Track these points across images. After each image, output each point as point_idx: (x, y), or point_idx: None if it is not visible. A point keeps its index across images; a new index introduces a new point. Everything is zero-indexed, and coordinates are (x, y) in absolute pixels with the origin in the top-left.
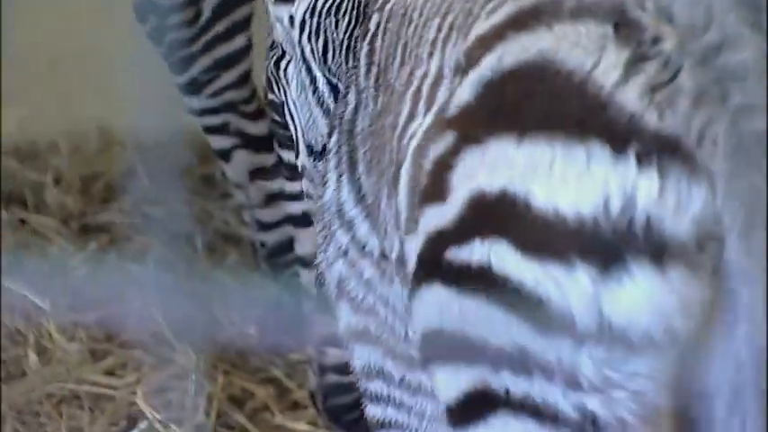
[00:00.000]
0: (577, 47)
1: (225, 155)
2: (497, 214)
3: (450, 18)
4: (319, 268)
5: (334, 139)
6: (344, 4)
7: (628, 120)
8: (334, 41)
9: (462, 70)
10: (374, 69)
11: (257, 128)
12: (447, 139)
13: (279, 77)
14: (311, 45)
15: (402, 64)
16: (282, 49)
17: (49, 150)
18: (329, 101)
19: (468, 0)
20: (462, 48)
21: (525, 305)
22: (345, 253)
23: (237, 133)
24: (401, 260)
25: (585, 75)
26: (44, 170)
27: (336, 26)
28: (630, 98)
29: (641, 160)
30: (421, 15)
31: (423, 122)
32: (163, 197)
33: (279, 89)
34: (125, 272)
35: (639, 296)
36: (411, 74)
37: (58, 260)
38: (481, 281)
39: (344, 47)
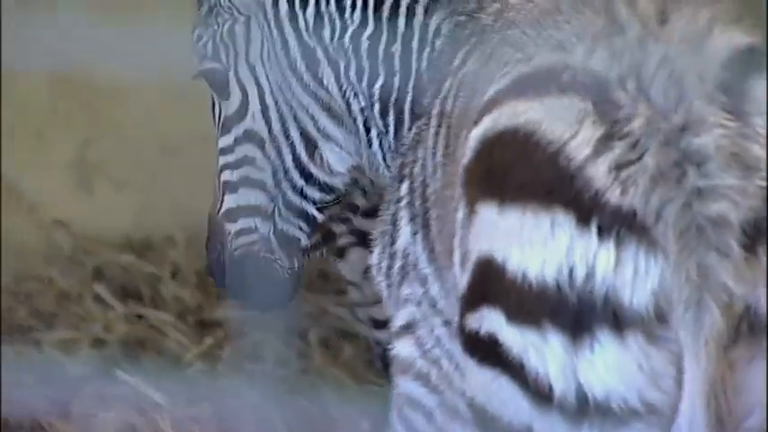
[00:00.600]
0: (559, 119)
1: (340, 252)
2: (490, 280)
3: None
4: (388, 296)
5: (405, 188)
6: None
7: (593, 193)
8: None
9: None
10: (443, 132)
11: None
12: (462, 204)
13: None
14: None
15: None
16: None
17: (165, 243)
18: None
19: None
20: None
21: (519, 375)
22: (419, 303)
23: (353, 231)
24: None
25: (561, 146)
26: (161, 264)
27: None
28: (598, 173)
29: (602, 233)
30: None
31: None
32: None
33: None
34: (240, 367)
35: (610, 365)
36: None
37: (174, 355)
38: (488, 349)
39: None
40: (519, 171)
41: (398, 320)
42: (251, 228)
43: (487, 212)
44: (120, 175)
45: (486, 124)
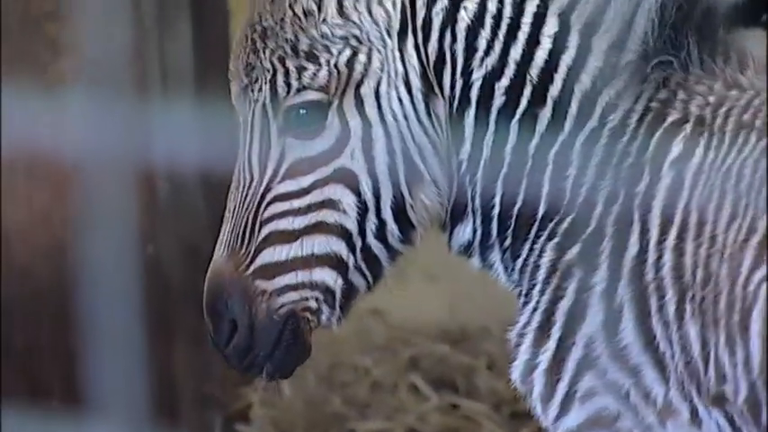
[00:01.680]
0: None
1: None
2: None
3: None
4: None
5: (601, 275)
6: None
7: None
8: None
9: None
10: (675, 222)
11: None
12: None
13: None
14: None
15: (734, 218)
16: None
17: (480, 334)
18: None
19: None
20: None
21: None
22: (625, 395)
23: None
24: (753, 402)
25: None
26: (476, 354)
27: None
28: None
29: None
30: (755, 171)
31: None
32: None
33: None
34: None
35: None
36: (752, 224)
37: None
38: None
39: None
40: None
41: (579, 415)
42: (304, 283)
43: None
44: (431, 266)
45: None
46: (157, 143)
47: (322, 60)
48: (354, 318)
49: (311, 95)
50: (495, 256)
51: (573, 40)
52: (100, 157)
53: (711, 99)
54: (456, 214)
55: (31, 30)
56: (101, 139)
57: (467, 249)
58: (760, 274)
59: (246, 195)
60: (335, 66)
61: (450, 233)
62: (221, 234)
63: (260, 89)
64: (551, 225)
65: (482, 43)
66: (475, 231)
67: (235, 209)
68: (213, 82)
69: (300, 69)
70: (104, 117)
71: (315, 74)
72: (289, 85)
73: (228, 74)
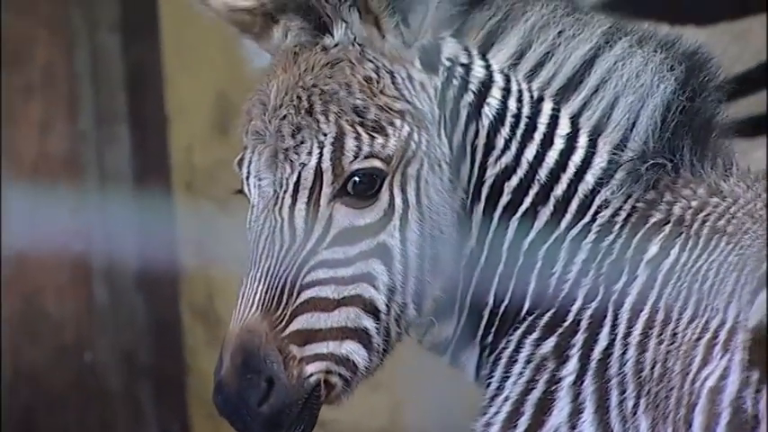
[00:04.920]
0: None
1: None
2: None
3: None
4: None
5: (571, 367)
6: None
7: None
8: None
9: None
10: (642, 318)
11: None
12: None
13: None
14: None
15: (694, 317)
16: None
17: None
18: None
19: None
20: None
21: None
22: None
23: None
24: None
25: None
26: None
27: None
28: None
29: None
30: (717, 274)
31: (718, 366)
32: None
33: None
34: None
35: None
36: (707, 324)
37: None
38: None
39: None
40: None
41: None
42: (333, 354)
43: None
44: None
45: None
46: (95, 246)
47: (389, 131)
48: None
49: (377, 163)
50: (471, 353)
51: (582, 141)
52: (37, 257)
53: (694, 204)
54: (441, 310)
55: None
56: (38, 241)
57: (440, 346)
58: (707, 371)
59: (285, 257)
60: (399, 139)
61: (427, 329)
62: (249, 291)
63: (309, 152)
64: (530, 319)
65: (500, 142)
66: (456, 329)
67: (269, 270)
68: (152, 185)
69: (372, 137)
70: (42, 219)
71: (384, 144)
72: (359, 149)
73: (249, 137)
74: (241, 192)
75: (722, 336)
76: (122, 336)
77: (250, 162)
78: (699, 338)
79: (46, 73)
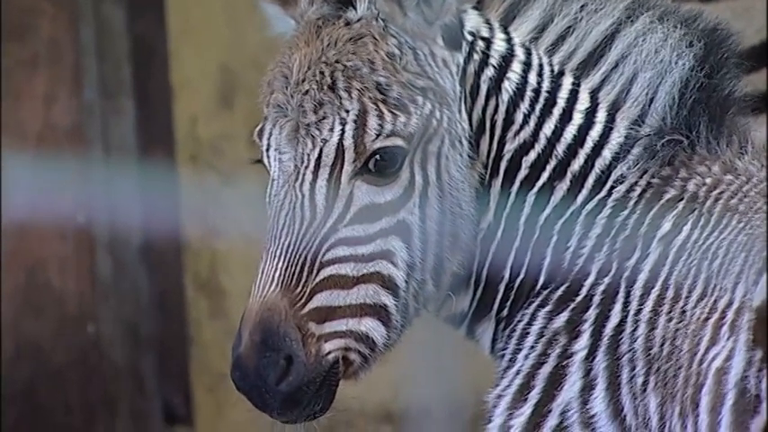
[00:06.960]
0: None
1: None
2: None
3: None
4: None
5: (583, 343)
6: None
7: None
8: None
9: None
10: (653, 295)
11: None
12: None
13: None
14: None
15: (703, 296)
16: None
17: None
18: None
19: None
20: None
21: None
22: None
23: None
24: None
25: None
26: None
27: None
28: None
29: None
30: (727, 253)
31: (725, 347)
32: None
33: None
34: None
35: None
36: (715, 303)
37: None
38: None
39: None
40: None
41: None
42: (352, 331)
43: None
44: None
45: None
46: (99, 218)
47: (411, 109)
48: None
49: (399, 142)
50: (487, 326)
51: (600, 116)
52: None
53: (708, 180)
54: (458, 284)
55: None
56: (42, 213)
57: (456, 319)
58: (714, 351)
59: (305, 234)
60: (420, 117)
61: (443, 303)
62: (268, 268)
63: (330, 128)
64: (545, 293)
65: (519, 117)
66: (472, 302)
67: (289, 246)
68: (156, 157)
69: (394, 115)
70: (46, 191)
71: (406, 122)
72: (381, 127)
73: (270, 109)
74: (260, 162)
75: (729, 316)
76: (125, 308)
77: (270, 134)
78: (707, 318)
79: (51, 46)
